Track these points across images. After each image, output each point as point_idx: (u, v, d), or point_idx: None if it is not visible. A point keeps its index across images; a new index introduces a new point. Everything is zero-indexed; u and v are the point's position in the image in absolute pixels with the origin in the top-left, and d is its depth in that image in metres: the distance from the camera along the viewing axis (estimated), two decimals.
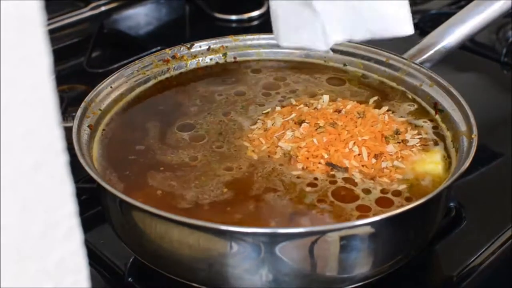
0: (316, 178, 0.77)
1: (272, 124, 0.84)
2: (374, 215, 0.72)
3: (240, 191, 0.76)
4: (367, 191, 0.75)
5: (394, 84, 0.94)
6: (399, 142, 0.82)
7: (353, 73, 0.97)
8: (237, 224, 0.70)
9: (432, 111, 0.88)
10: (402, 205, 0.73)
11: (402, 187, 0.76)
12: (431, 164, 0.79)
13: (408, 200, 0.74)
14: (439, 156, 0.81)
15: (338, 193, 0.75)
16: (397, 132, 0.83)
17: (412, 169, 0.79)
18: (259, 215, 0.73)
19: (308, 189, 0.76)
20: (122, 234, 0.77)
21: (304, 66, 0.99)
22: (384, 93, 0.93)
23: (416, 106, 0.89)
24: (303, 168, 0.78)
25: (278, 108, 0.89)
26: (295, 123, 0.84)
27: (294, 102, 0.90)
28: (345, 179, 0.77)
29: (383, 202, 0.74)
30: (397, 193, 0.75)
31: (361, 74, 0.97)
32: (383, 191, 0.75)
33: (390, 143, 0.81)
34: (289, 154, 0.80)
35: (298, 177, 0.77)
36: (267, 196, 0.75)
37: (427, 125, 0.86)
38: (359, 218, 0.71)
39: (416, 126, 0.86)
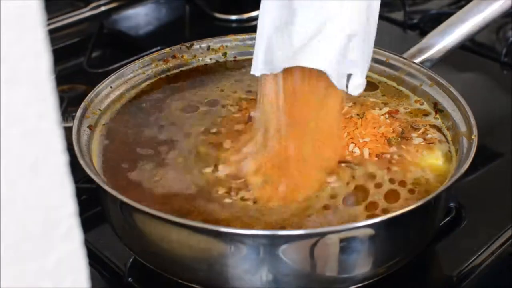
0: None
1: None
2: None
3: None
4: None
5: (394, 84, 0.94)
6: (403, 141, 0.81)
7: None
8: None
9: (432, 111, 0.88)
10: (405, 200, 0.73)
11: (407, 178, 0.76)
12: (433, 160, 0.79)
13: (412, 192, 0.75)
14: (440, 153, 0.80)
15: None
16: (402, 133, 0.82)
17: (413, 164, 0.78)
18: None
19: None
20: (122, 235, 0.77)
21: None
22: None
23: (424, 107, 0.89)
24: None
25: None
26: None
27: None
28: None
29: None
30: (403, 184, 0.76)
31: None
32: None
33: (394, 146, 0.80)
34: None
35: None
36: None
37: (431, 120, 0.86)
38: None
39: (417, 128, 0.85)
